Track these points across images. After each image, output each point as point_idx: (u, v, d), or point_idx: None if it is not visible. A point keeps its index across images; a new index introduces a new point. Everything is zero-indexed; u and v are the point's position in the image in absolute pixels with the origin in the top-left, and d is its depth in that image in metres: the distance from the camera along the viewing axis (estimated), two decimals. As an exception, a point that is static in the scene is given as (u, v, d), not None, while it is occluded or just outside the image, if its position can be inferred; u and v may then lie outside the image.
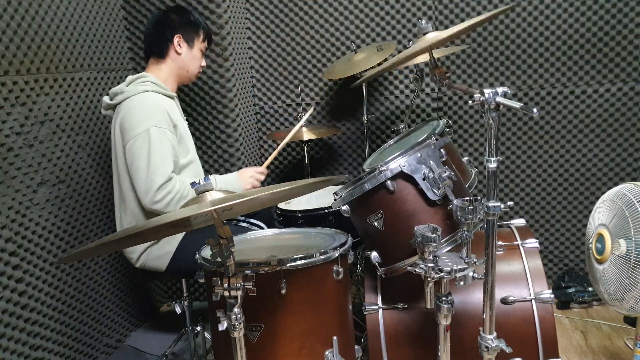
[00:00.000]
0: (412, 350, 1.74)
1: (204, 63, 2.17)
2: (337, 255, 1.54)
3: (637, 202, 1.70)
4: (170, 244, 2.00)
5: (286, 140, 2.25)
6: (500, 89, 1.31)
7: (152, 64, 2.08)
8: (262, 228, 2.24)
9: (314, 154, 3.01)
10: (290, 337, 1.49)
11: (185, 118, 2.17)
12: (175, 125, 1.98)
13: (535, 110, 1.24)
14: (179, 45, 2.05)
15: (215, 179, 2.04)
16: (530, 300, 1.70)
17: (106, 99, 2.01)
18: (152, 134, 1.86)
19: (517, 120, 2.75)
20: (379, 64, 2.42)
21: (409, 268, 1.51)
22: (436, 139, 1.60)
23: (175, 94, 2.11)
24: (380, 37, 2.79)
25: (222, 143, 2.68)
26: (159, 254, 2.00)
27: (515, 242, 1.85)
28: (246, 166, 2.78)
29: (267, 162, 2.20)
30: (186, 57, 2.08)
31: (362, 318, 1.94)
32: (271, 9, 2.83)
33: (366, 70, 2.55)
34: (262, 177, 2.14)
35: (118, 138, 1.95)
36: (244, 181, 2.07)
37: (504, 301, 1.71)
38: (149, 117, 1.88)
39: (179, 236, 2.00)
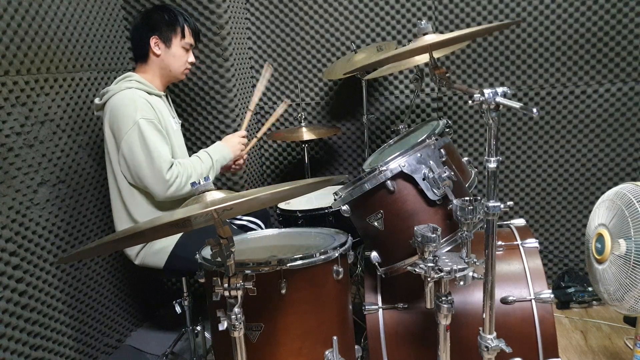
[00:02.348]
0: (412, 350, 1.74)
1: (191, 59, 2.12)
2: (337, 255, 1.54)
3: (637, 202, 1.70)
4: (168, 240, 2.01)
5: (267, 125, 2.37)
6: (500, 89, 1.31)
7: (139, 67, 2.09)
8: (260, 226, 2.24)
9: (314, 154, 3.01)
10: (290, 337, 1.50)
11: (174, 117, 2.15)
12: (161, 120, 1.98)
13: (535, 110, 1.24)
14: (157, 46, 2.03)
15: (208, 153, 2.06)
16: (530, 300, 1.70)
17: (96, 100, 2.02)
18: (142, 126, 1.87)
19: (517, 120, 2.75)
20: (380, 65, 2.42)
21: (409, 268, 1.51)
22: (436, 139, 1.60)
23: (163, 93, 2.10)
24: (380, 37, 2.79)
25: (222, 143, 2.68)
26: (157, 249, 2.01)
27: (515, 242, 1.85)
28: (247, 167, 2.78)
29: (243, 126, 2.29)
30: (165, 57, 2.05)
31: (362, 318, 1.94)
32: (271, 9, 2.84)
33: (368, 72, 2.56)
34: (245, 141, 2.24)
35: (109, 139, 1.95)
36: (232, 147, 2.15)
37: (504, 301, 1.71)
38: (135, 111, 1.88)
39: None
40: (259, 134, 2.34)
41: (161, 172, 1.87)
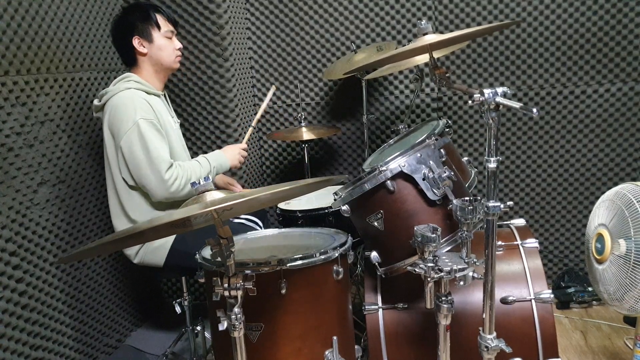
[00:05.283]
0: (412, 350, 1.74)
1: (178, 45, 2.11)
2: (337, 255, 1.54)
3: (637, 202, 1.70)
4: (167, 237, 2.01)
5: (259, 113, 2.39)
6: (500, 89, 1.31)
7: (132, 69, 2.09)
8: (257, 224, 2.25)
9: (314, 154, 3.01)
10: (290, 337, 1.50)
11: (173, 116, 2.15)
12: (160, 120, 1.98)
13: (535, 110, 1.24)
14: (141, 45, 2.02)
15: (208, 159, 2.07)
16: (530, 300, 1.70)
17: (95, 101, 2.02)
18: (142, 126, 1.87)
19: (517, 120, 2.75)
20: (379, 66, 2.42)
21: (409, 268, 1.51)
22: (436, 139, 1.60)
23: (161, 92, 2.10)
24: (380, 37, 2.79)
25: (222, 143, 2.68)
26: (156, 246, 2.02)
27: (515, 242, 1.85)
28: (247, 167, 2.78)
29: (245, 140, 2.31)
30: (152, 52, 2.04)
31: (362, 318, 1.94)
32: (271, 9, 2.83)
33: (368, 72, 2.56)
34: (245, 154, 2.25)
35: (109, 139, 1.96)
36: (231, 158, 2.16)
37: (504, 301, 1.71)
38: (135, 111, 1.88)
39: None
40: (254, 123, 2.35)
41: (160, 173, 1.88)
